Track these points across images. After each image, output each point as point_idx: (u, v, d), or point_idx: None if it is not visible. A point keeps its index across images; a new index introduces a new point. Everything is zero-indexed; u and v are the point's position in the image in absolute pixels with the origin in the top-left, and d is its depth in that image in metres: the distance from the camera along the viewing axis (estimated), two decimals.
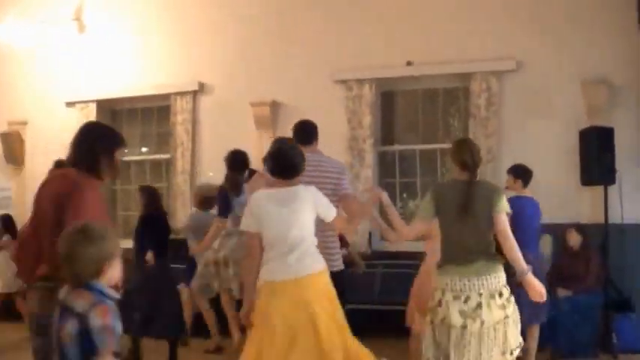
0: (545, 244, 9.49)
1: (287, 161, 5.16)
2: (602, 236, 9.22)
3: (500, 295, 5.06)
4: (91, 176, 4.36)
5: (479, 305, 5.00)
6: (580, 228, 9.13)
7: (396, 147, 11.25)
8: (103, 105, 12.52)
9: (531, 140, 10.18)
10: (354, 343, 5.06)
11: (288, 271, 4.96)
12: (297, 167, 5.18)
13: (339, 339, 4.94)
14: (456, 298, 5.05)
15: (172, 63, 12.01)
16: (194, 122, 11.86)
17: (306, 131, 6.36)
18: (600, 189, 9.35)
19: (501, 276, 5.10)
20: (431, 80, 10.90)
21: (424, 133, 11.17)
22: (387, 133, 11.32)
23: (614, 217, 9.40)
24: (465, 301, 5.02)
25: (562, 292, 8.83)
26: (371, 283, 10.31)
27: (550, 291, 8.64)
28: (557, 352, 8.66)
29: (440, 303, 5.12)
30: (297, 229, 4.99)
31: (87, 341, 3.37)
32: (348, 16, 11.09)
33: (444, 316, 5.07)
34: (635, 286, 9.50)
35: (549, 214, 9.60)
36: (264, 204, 5.06)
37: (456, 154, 5.33)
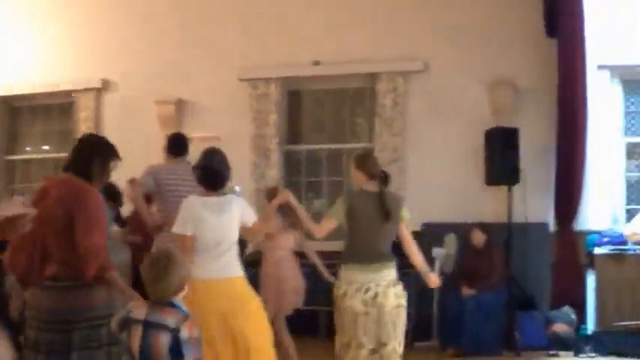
0: (450, 244, 9.55)
1: (217, 175, 5.59)
2: (506, 235, 9.31)
3: (395, 285, 5.76)
4: (86, 182, 4.70)
5: (377, 295, 5.66)
6: (484, 227, 9.22)
7: (303, 146, 11.18)
8: (2, 101, 12.15)
9: (437, 140, 10.26)
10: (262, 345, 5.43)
11: (218, 272, 5.40)
12: (225, 179, 5.64)
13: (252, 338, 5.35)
14: (357, 290, 5.65)
15: (76, 60, 11.67)
16: (97, 120, 11.56)
17: (178, 144, 7.33)
18: (504, 189, 9.46)
19: (394, 272, 5.81)
20: (338, 80, 10.85)
21: (331, 132, 11.13)
22: (293, 132, 11.23)
23: (518, 217, 9.51)
24: (366, 292, 5.64)
25: (466, 291, 8.90)
26: None
27: (455, 289, 8.96)
28: (462, 350, 8.70)
29: (345, 294, 5.69)
30: (229, 236, 5.48)
31: (177, 352, 3.88)
32: (254, 14, 10.98)
33: (349, 305, 5.66)
34: (538, 284, 9.64)
35: (454, 214, 9.75)
36: (199, 210, 5.44)
37: (364, 167, 5.90)
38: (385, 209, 5.72)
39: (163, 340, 3.91)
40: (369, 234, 5.78)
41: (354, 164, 5.96)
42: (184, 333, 3.91)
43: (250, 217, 5.63)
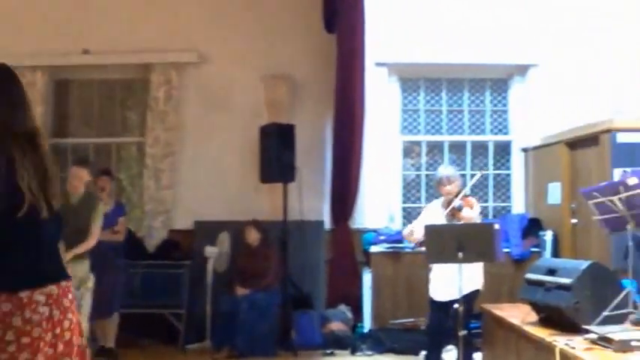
0: (223, 242, 9.22)
1: None
2: (281, 233, 9.06)
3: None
4: None
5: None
6: (259, 225, 8.97)
7: (70, 140, 10.42)
8: None
9: (212, 135, 9.94)
10: None
11: None
12: None
13: None
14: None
15: None
16: None
17: None
18: (280, 186, 9.18)
19: None
20: (109, 70, 10.20)
21: (100, 125, 10.47)
22: (60, 125, 10.47)
23: (294, 215, 9.31)
24: None
25: (240, 291, 8.60)
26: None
27: (228, 289, 8.63)
28: (236, 352, 8.36)
29: None
30: None
31: None
32: None
33: None
34: (314, 283, 9.51)
35: (229, 211, 9.45)
36: None
37: None
38: None
39: None
40: None
41: None
42: None
43: None
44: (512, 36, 10.06)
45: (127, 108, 10.50)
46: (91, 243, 7.28)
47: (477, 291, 6.87)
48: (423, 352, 8.45)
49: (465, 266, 6.34)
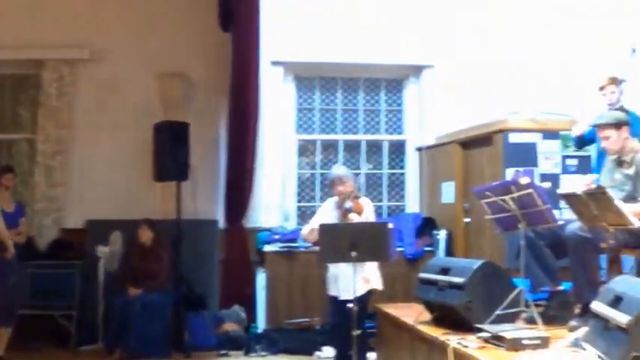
0: (116, 241, 9.10)
1: None
2: (175, 233, 8.97)
3: None
4: None
5: None
6: (152, 224, 8.86)
7: None
8: None
9: (105, 133, 9.79)
10: None
11: None
12: None
13: None
14: None
15: None
16: None
17: None
18: (173, 184, 9.09)
19: None
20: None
21: None
22: None
23: (188, 214, 9.24)
24: None
25: (133, 291, 8.48)
26: None
27: (121, 289, 8.51)
28: (129, 353, 8.23)
29: None
30: None
31: None
32: None
33: None
34: (208, 283, 9.46)
35: (121, 210, 9.33)
36: None
37: None
38: None
39: None
40: None
41: None
42: None
43: None
44: (407, 37, 10.20)
45: (18, 104, 10.24)
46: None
47: (372, 290, 6.91)
48: (317, 353, 8.56)
49: (360, 265, 6.38)
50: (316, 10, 10.12)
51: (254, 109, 9.52)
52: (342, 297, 6.78)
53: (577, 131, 7.45)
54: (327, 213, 7.13)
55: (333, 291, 6.99)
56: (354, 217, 6.79)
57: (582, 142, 7.51)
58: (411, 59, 10.32)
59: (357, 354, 6.16)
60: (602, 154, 6.71)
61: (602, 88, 7.32)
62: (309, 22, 10.07)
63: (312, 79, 10.52)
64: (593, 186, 4.99)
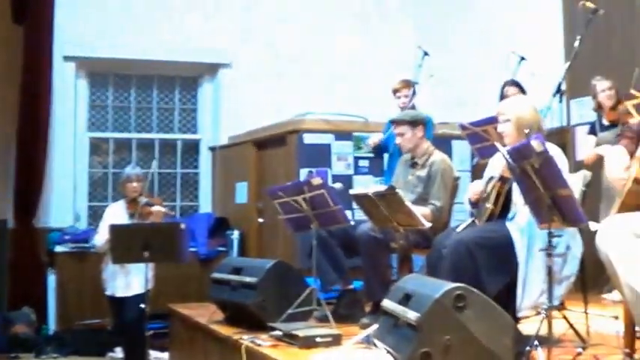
0: None
1: None
2: None
3: None
4: None
5: None
6: None
7: None
8: None
9: None
10: None
11: None
12: None
13: None
14: None
15: None
16: None
17: None
18: None
19: None
20: None
21: None
22: None
23: None
24: None
25: None
26: None
27: None
28: None
29: None
30: None
31: None
32: None
33: None
34: None
35: None
36: None
37: None
38: None
39: None
40: None
41: None
42: None
43: None
44: (203, 35, 10.22)
45: None
46: None
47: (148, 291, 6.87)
48: (110, 354, 8.48)
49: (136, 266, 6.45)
50: (111, 4, 9.98)
51: (45, 106, 9.31)
52: (119, 295, 6.84)
53: (373, 141, 7.68)
54: (116, 215, 7.09)
55: (109, 290, 7.05)
56: (159, 209, 6.87)
57: (379, 149, 7.74)
58: (207, 57, 10.37)
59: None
60: (393, 156, 7.01)
61: (395, 92, 7.51)
62: (104, 17, 9.89)
63: (105, 76, 10.36)
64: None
